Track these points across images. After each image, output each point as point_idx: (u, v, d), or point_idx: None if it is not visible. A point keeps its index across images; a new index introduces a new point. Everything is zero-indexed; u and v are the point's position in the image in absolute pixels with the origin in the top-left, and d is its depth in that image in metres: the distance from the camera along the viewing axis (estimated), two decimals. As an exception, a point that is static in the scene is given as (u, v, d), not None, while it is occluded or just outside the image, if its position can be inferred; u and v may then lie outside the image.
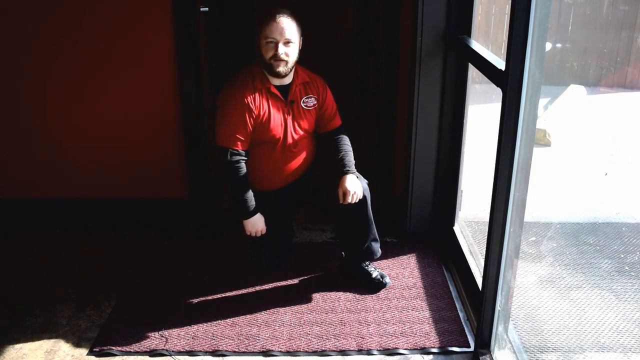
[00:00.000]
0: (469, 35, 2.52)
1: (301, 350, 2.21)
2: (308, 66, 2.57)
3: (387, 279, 2.58)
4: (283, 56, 2.32)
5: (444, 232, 2.91)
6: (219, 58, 3.49)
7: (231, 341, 2.25)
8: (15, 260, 2.84)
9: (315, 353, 2.20)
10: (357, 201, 2.39)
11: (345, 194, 2.36)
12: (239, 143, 2.39)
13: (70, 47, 2.89)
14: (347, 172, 2.42)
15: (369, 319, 2.38)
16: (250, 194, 2.45)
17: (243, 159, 2.42)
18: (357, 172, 2.46)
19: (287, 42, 2.32)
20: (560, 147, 4.59)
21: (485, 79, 2.08)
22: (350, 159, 2.49)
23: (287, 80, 2.45)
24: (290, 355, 2.20)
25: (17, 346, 2.25)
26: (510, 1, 1.72)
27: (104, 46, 2.89)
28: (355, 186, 2.38)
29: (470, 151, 2.85)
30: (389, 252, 2.83)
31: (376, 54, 3.10)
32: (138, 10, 2.82)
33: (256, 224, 2.50)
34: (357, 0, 4.74)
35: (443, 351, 2.20)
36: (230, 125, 2.38)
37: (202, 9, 2.96)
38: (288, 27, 2.32)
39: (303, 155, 2.57)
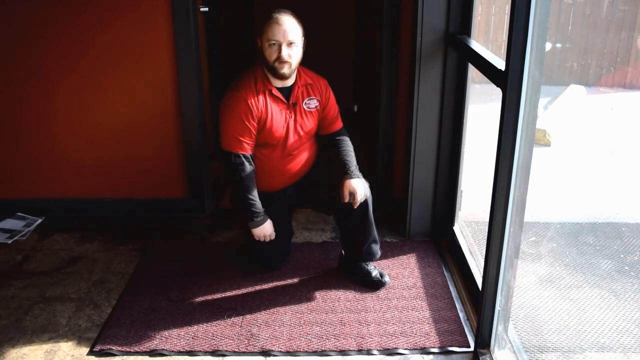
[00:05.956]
0: (469, 35, 2.52)
1: (301, 350, 2.21)
2: (308, 66, 2.57)
3: (386, 278, 2.58)
4: (287, 58, 2.31)
5: (444, 232, 2.91)
6: (219, 58, 3.49)
7: (231, 341, 2.25)
8: (15, 260, 2.84)
9: (315, 353, 2.20)
10: (361, 202, 2.39)
11: (352, 194, 2.36)
12: (243, 146, 2.39)
13: (69, 47, 2.89)
14: (351, 174, 2.41)
15: (369, 319, 2.38)
16: (257, 197, 2.45)
17: (248, 162, 2.42)
18: (360, 174, 2.46)
19: (290, 44, 2.31)
20: (560, 147, 4.59)
21: (485, 79, 2.08)
22: (353, 160, 2.49)
23: (290, 82, 2.44)
24: (290, 355, 2.20)
25: (17, 346, 2.25)
26: (510, 1, 1.72)
27: (104, 46, 2.89)
28: (361, 187, 2.38)
29: (470, 151, 2.84)
30: (389, 252, 2.83)
31: (376, 54, 3.09)
32: (138, 10, 2.83)
33: (264, 229, 2.50)
34: (357, 0, 4.74)
35: (443, 351, 2.20)
36: (234, 129, 2.38)
37: (202, 9, 2.96)
38: (291, 29, 2.30)
39: (304, 156, 2.57)
